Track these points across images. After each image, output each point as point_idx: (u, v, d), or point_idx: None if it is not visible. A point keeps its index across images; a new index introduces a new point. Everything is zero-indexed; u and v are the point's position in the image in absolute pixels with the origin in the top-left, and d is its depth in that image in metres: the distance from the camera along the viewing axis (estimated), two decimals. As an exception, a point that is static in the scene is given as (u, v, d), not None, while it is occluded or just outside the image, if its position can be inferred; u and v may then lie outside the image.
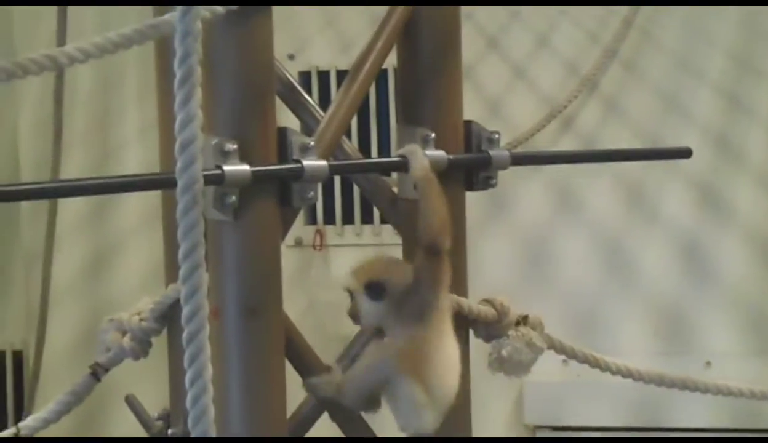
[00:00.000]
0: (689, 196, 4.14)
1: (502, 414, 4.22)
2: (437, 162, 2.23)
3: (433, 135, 2.26)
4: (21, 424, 2.37)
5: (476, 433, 2.39)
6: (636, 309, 4.17)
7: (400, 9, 2.32)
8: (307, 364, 2.22)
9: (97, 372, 2.37)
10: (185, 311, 1.66)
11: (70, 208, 4.20)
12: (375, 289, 2.11)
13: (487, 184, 2.38)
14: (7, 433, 2.34)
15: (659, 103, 4.15)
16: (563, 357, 2.49)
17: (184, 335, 1.65)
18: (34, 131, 4.39)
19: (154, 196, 2.30)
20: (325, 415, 2.28)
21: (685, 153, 2.71)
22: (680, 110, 4.13)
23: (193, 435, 1.64)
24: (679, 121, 4.11)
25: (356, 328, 2.41)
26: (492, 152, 2.35)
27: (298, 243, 4.35)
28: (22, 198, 1.90)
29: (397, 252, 2.33)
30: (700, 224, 4.13)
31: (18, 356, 4.54)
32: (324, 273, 4.34)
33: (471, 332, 2.36)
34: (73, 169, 4.11)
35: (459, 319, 2.31)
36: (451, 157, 2.28)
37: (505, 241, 4.26)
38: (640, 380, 2.60)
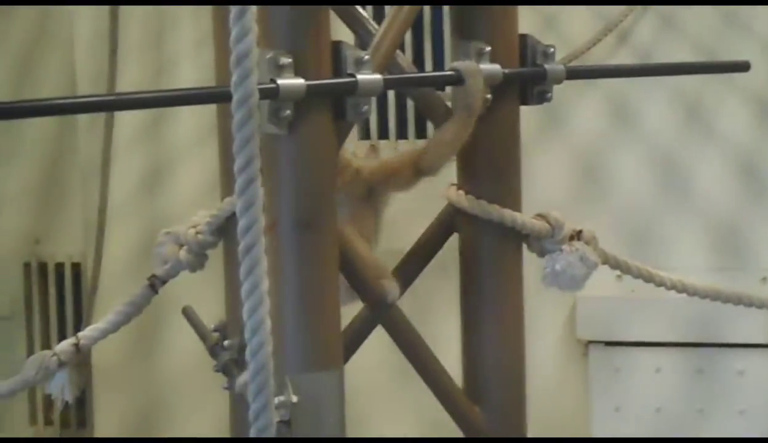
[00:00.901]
0: (747, 111, 4.09)
1: (555, 328, 4.23)
2: (492, 76, 2.22)
3: (488, 49, 2.25)
4: (80, 334, 2.41)
5: (529, 348, 2.40)
6: (691, 225, 4.15)
7: None
8: (360, 278, 2.23)
9: (154, 284, 2.40)
10: (241, 224, 1.67)
11: (126, 121, 4.23)
12: None
13: (542, 98, 2.37)
14: (68, 343, 2.38)
15: (717, 16, 4.09)
16: (617, 272, 2.49)
17: (240, 247, 1.67)
18: (90, 45, 4.40)
19: (209, 110, 2.31)
20: (379, 329, 2.30)
21: (743, 66, 2.68)
22: (738, 23, 4.07)
23: (249, 346, 1.67)
24: (737, 35, 4.06)
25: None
26: (547, 66, 2.33)
27: (353, 157, 4.36)
28: (79, 111, 1.93)
29: (450, 168, 2.33)
30: (757, 139, 4.09)
31: (77, 268, 4.60)
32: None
33: (525, 246, 2.37)
34: (128, 83, 4.13)
35: (513, 234, 2.31)
36: (506, 71, 2.27)
37: (560, 156, 4.25)
38: (695, 295, 2.59)
